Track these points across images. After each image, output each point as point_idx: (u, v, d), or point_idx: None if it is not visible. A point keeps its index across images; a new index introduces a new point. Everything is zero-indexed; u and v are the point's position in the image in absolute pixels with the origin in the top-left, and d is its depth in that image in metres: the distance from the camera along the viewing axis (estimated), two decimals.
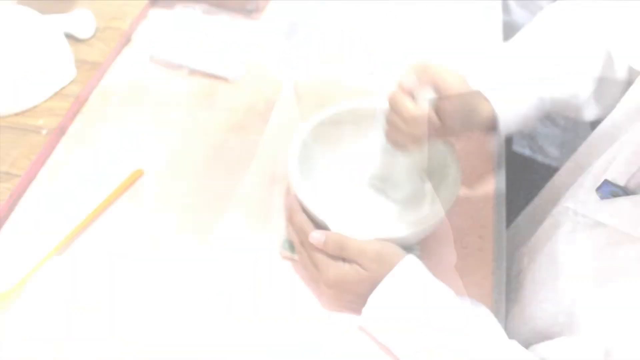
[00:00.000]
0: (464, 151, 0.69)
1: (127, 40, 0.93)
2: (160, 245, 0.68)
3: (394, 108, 0.59)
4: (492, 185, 0.73)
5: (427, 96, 0.58)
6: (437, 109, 0.58)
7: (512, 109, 0.63)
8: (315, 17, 0.97)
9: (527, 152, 1.17)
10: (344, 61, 0.89)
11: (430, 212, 0.59)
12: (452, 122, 0.59)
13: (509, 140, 1.15)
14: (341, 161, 0.73)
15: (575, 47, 0.65)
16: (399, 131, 0.60)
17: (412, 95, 0.58)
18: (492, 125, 0.64)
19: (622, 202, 0.48)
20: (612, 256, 0.47)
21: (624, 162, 0.48)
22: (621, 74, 0.66)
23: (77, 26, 0.88)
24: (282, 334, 0.61)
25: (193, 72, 0.88)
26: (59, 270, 0.64)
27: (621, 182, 0.48)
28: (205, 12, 0.95)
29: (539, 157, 1.16)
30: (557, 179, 0.71)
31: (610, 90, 0.67)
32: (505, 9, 1.09)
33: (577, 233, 0.54)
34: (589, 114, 0.68)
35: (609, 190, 0.49)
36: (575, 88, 0.65)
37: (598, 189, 0.50)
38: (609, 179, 0.49)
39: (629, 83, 0.64)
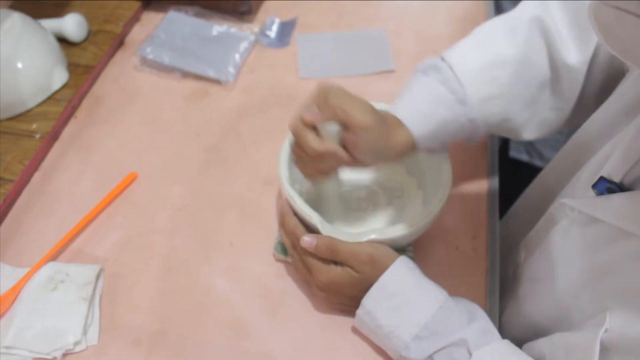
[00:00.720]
0: (456, 151, 0.69)
1: (120, 43, 0.93)
2: (154, 248, 0.68)
3: (297, 141, 0.56)
4: (485, 185, 0.73)
5: (331, 128, 0.54)
6: (344, 141, 0.54)
7: (435, 132, 0.59)
8: (308, 19, 0.97)
9: (524, 157, 1.17)
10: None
11: (423, 213, 0.59)
12: (363, 154, 0.55)
13: (504, 147, 1.15)
14: None
15: (509, 69, 0.61)
16: (305, 164, 0.58)
17: (315, 128, 0.55)
18: (409, 149, 0.60)
19: (618, 198, 0.48)
20: (608, 252, 0.47)
21: (620, 159, 0.48)
22: (571, 91, 0.62)
23: (70, 30, 0.88)
24: (277, 334, 0.61)
25: (186, 74, 0.87)
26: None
27: (617, 179, 0.48)
28: (197, 15, 0.95)
29: (538, 162, 1.16)
30: (551, 174, 0.71)
31: (554, 111, 0.64)
32: (499, 9, 1.09)
33: (573, 229, 0.54)
34: (527, 135, 0.66)
35: (605, 186, 0.49)
36: (506, 112, 0.62)
37: (594, 185, 0.50)
38: (605, 175, 0.49)
39: (596, 98, 0.61)
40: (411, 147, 0.59)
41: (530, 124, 0.64)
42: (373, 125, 0.53)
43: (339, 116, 0.53)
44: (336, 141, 0.54)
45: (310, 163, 0.56)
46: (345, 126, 0.53)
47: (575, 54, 0.60)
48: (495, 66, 0.60)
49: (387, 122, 0.57)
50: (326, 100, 0.53)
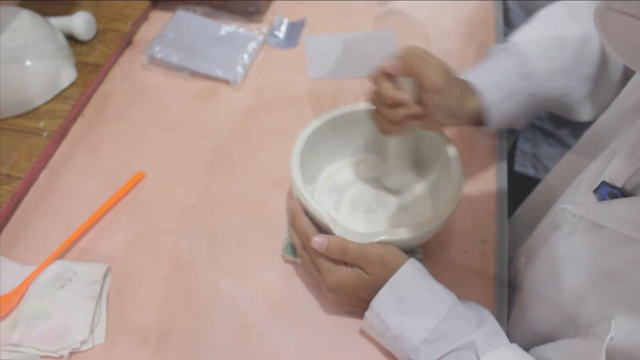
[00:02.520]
0: (464, 153, 0.69)
1: (128, 42, 0.93)
2: (161, 248, 0.68)
3: (375, 89, 0.60)
4: (494, 187, 0.73)
5: (409, 83, 0.58)
6: (421, 99, 0.58)
7: (501, 102, 0.64)
8: (316, 19, 0.97)
9: (530, 171, 1.16)
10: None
11: (433, 215, 0.59)
12: (437, 113, 0.59)
13: (510, 161, 1.14)
14: (344, 164, 0.73)
15: (571, 47, 0.66)
16: (380, 114, 0.61)
17: (393, 80, 0.59)
18: (479, 118, 0.65)
19: (620, 203, 0.47)
20: (612, 258, 0.47)
21: (622, 163, 0.47)
22: (616, 73, 0.66)
23: (78, 28, 0.88)
24: (284, 336, 0.61)
25: (194, 74, 0.87)
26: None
27: (619, 184, 0.47)
28: (206, 14, 0.95)
29: (543, 177, 1.15)
30: (552, 179, 0.71)
31: (605, 90, 0.67)
32: (506, 10, 1.09)
33: (574, 235, 0.53)
34: (584, 114, 0.69)
35: (607, 191, 0.48)
36: (567, 87, 0.66)
37: (595, 190, 0.49)
38: (607, 180, 0.48)
39: (624, 81, 0.64)
40: (481, 113, 0.64)
41: (586, 103, 0.68)
42: (445, 88, 0.58)
43: (419, 74, 0.57)
44: (410, 94, 0.58)
45: (386, 112, 0.60)
46: (423, 84, 0.57)
47: None
48: (559, 44, 0.66)
49: (460, 85, 0.62)
50: (408, 58, 0.57)
